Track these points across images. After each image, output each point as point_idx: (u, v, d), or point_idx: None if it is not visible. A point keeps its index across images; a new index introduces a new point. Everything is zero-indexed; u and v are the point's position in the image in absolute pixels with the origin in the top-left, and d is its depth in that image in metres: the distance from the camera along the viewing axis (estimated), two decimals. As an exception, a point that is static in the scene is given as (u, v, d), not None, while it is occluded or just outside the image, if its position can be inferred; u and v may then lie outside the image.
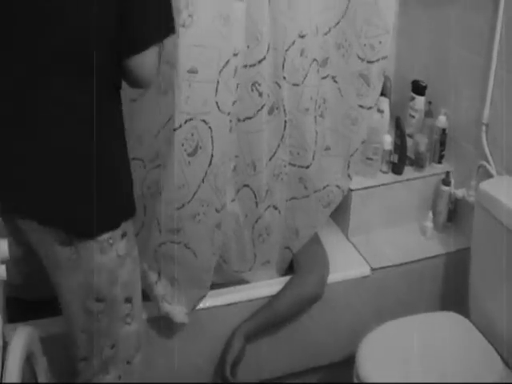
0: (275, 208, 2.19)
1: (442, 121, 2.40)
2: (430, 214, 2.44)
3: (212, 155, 1.88)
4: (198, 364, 2.18)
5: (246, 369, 2.16)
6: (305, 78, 2.04)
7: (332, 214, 2.33)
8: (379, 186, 2.41)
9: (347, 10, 2.08)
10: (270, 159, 2.11)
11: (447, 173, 2.41)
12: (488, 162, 2.24)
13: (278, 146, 2.11)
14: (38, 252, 1.63)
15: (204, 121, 1.83)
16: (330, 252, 2.31)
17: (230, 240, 2.18)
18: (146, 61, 1.48)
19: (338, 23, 2.10)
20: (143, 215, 2.03)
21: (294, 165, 2.17)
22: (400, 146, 2.41)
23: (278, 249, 2.29)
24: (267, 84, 1.99)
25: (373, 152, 2.39)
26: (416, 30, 2.59)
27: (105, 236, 1.57)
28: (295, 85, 2.04)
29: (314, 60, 2.05)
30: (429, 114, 2.47)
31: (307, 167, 2.16)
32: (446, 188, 2.41)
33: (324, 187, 2.23)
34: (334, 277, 2.26)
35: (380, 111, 2.36)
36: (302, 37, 1.99)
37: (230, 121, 1.91)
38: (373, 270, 2.31)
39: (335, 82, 2.17)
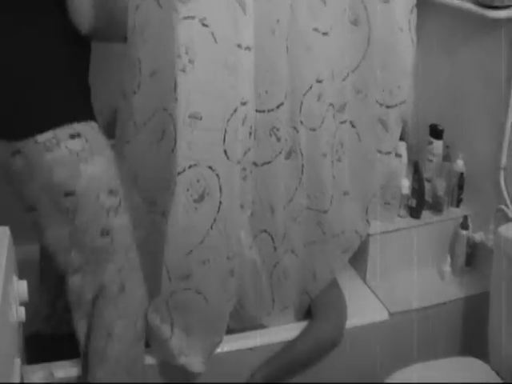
0: (293, 252, 2.18)
1: (459, 165, 2.40)
2: (448, 258, 2.43)
3: (220, 202, 1.84)
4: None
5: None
6: (322, 123, 2.04)
7: (350, 259, 2.32)
8: (397, 230, 2.39)
9: (365, 55, 2.09)
10: (289, 203, 2.10)
11: (465, 217, 2.40)
12: (506, 205, 2.23)
13: (296, 189, 2.10)
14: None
15: (211, 168, 1.79)
16: (347, 297, 2.29)
17: (247, 285, 2.15)
18: None
19: (356, 68, 2.11)
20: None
21: (311, 209, 2.16)
22: (418, 190, 2.40)
23: (296, 294, 2.27)
24: (285, 129, 2.00)
25: (391, 196, 2.37)
26: (433, 73, 2.59)
27: (46, 135, 1.68)
28: (312, 129, 2.04)
29: (330, 104, 2.05)
30: (447, 157, 2.46)
31: (325, 212, 2.15)
32: (464, 232, 2.39)
33: (342, 232, 2.22)
34: (352, 322, 2.24)
35: (398, 155, 2.35)
36: (320, 82, 1.99)
37: (244, 169, 1.89)
38: (391, 314, 2.29)
39: (353, 126, 2.18)
